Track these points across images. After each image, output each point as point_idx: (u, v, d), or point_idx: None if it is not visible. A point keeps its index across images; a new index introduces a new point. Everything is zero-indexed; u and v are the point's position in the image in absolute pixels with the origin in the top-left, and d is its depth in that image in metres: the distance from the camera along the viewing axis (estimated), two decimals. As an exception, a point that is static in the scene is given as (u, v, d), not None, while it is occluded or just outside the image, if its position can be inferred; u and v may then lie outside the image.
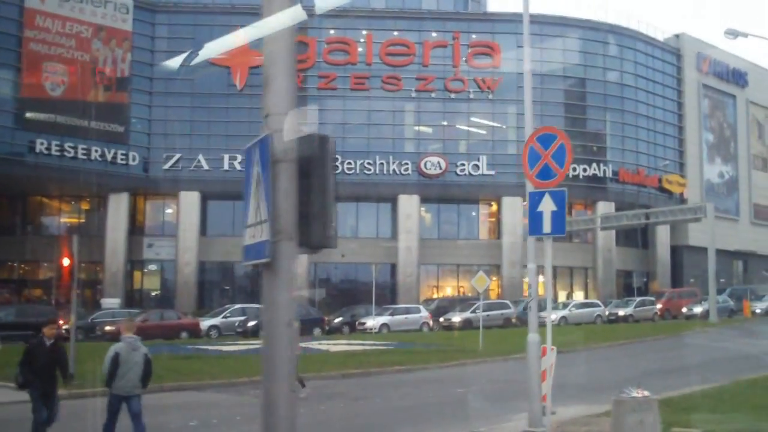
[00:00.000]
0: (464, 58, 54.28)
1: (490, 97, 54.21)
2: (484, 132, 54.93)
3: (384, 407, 15.47)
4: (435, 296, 52.53)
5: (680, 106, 62.80)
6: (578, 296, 56.40)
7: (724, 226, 59.46)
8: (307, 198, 4.71)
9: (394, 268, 52.61)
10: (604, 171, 56.20)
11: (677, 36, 63.69)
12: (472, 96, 54.21)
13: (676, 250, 60.84)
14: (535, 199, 10.83)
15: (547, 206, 10.55)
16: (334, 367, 20.85)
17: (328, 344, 28.93)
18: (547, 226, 10.64)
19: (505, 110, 54.50)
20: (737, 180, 67.63)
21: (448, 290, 55.33)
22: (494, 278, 54.87)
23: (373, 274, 41.22)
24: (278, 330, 4.82)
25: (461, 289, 54.86)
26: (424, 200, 53.39)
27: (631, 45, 59.40)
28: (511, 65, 52.47)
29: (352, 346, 28.50)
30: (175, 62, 48.69)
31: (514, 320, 41.40)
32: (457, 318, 40.63)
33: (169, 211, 53.54)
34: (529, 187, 11.41)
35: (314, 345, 27.74)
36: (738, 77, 67.60)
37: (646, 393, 9.17)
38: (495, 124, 54.75)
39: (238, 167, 50.33)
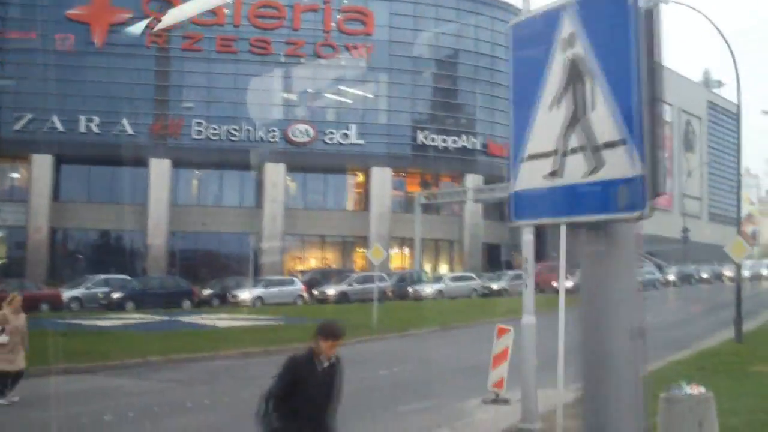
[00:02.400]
0: (335, 24, 55.81)
1: (362, 64, 56.07)
2: (353, 101, 56.82)
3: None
4: (300, 268, 54.10)
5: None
6: (443, 269, 59.31)
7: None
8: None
9: (258, 238, 53.64)
10: (474, 143, 59.25)
11: (549, 10, 67.24)
12: (343, 63, 56.06)
13: (539, 225, 64.47)
14: None
15: None
16: (231, 345, 20.88)
17: (212, 318, 29.65)
18: None
19: (376, 78, 56.55)
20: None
21: (312, 262, 57.05)
22: (361, 250, 57.27)
23: (251, 244, 42.61)
24: (616, 343, 2.94)
25: (326, 261, 56.86)
26: (291, 169, 54.80)
27: (503, 17, 62.37)
28: (384, 33, 54.50)
29: (237, 321, 29.15)
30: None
31: (389, 293, 43.18)
32: (332, 291, 42.28)
33: (16, 175, 52.82)
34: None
35: (197, 320, 28.63)
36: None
37: (702, 389, 8.07)
38: (366, 93, 56.66)
39: (96, 129, 50.36)
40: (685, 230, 71.40)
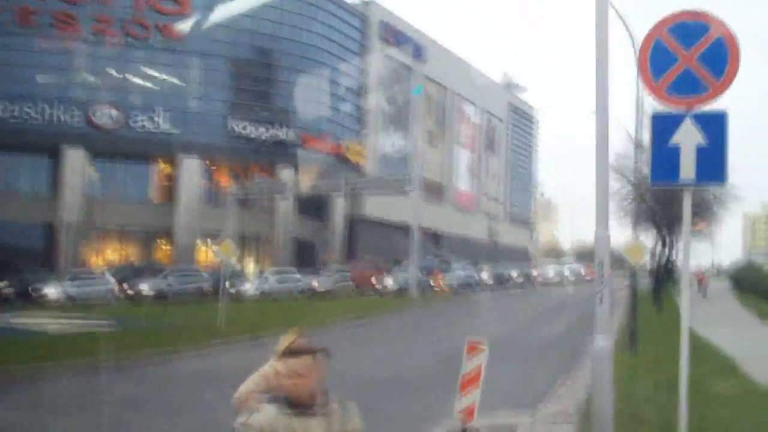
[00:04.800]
0: (148, 3, 54.39)
1: (176, 47, 55.00)
2: (163, 85, 55.69)
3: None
4: (100, 262, 52.37)
5: (363, 73, 68.09)
6: (251, 266, 59.23)
7: (398, 198, 65.87)
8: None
9: (51, 228, 51.35)
10: (289, 135, 59.57)
11: (366, 2, 68.95)
12: (154, 44, 54.82)
13: (351, 221, 65.81)
14: (666, 126, 7.89)
15: (688, 137, 7.70)
16: (65, 354, 18.64)
17: (32, 321, 27.74)
18: (688, 170, 7.68)
19: (189, 63, 55.74)
20: (409, 153, 74.88)
21: (112, 255, 55.23)
22: (165, 244, 56.21)
23: (63, 233, 40.59)
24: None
25: (126, 255, 55.28)
26: (94, 155, 52.84)
27: (321, 5, 63.25)
28: (200, 15, 53.84)
29: (60, 325, 27.40)
30: None
31: (208, 290, 42.57)
32: (147, 287, 41.10)
33: None
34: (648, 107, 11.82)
35: (14, 321, 26.96)
36: (418, 51, 74.90)
37: None
38: (177, 78, 55.74)
39: None
40: (492, 231, 75.14)
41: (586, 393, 14.24)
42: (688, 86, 7.70)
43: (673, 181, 7.85)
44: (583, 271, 76.39)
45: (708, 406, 11.63)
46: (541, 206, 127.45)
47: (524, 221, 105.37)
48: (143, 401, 14.23)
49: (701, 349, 22.15)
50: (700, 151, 7.62)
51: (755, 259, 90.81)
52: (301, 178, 57.10)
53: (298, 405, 3.75)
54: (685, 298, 8.47)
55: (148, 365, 18.37)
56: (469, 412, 9.98)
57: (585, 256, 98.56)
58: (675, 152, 7.70)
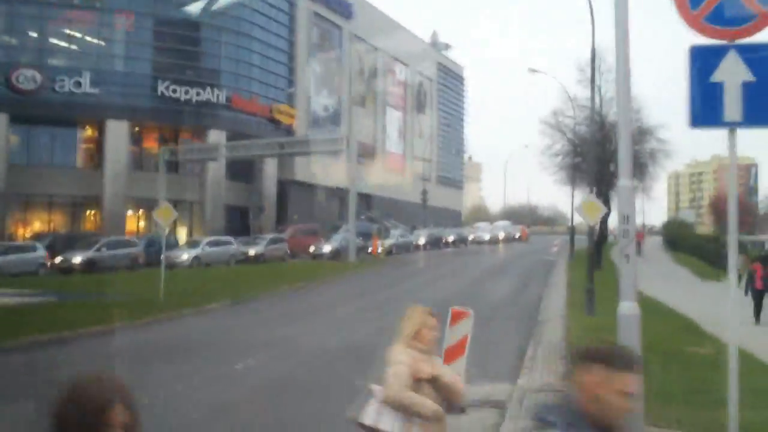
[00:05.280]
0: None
1: (98, 5, 53.24)
2: (86, 46, 53.88)
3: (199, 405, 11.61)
4: (26, 233, 50.79)
5: (292, 32, 67.02)
6: (182, 233, 58.10)
7: (330, 161, 65.39)
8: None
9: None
10: (218, 96, 58.29)
11: (294, -41, 67.79)
12: (77, 2, 52.77)
13: (282, 185, 64.98)
14: (707, 60, 7.01)
15: (733, 73, 6.88)
16: (6, 330, 18.15)
17: None
18: (733, 110, 6.90)
19: (113, 21, 54.06)
20: (340, 114, 74.22)
21: (39, 226, 53.51)
22: (93, 211, 54.77)
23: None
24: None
25: (54, 225, 53.64)
26: (16, 120, 50.83)
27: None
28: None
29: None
30: None
31: (140, 260, 41.75)
32: (78, 258, 39.89)
33: None
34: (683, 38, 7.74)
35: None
36: (345, 9, 73.87)
37: None
38: (101, 38, 54.04)
39: None
40: (425, 193, 75.13)
41: (560, 360, 14.13)
42: (731, 14, 6.91)
43: (716, 123, 7.02)
44: (516, 233, 77.55)
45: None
46: (468, 167, 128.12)
47: (454, 183, 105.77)
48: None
49: (659, 310, 22.50)
50: (747, 88, 6.85)
51: (684, 216, 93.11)
52: (231, 140, 56.12)
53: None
54: (733, 309, 7.53)
55: (92, 341, 17.48)
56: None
57: (513, 216, 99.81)
58: (717, 90, 6.91)
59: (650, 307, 23.40)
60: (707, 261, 52.90)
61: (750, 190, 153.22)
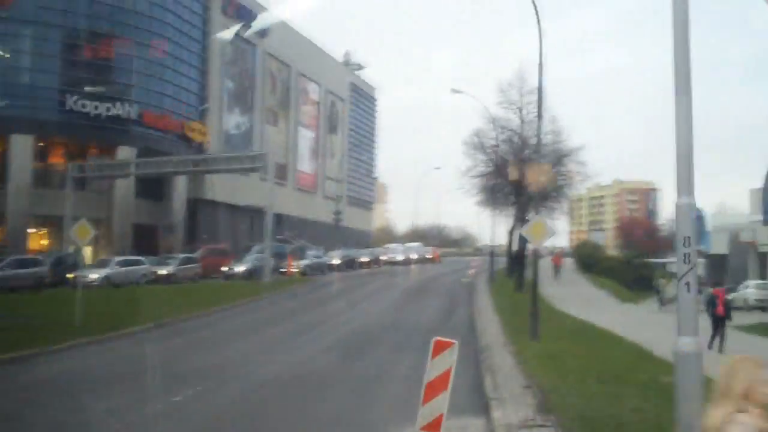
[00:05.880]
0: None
1: (3, 15, 51.61)
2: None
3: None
4: None
5: (205, 49, 66.13)
6: (87, 252, 56.36)
7: (242, 180, 64.68)
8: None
9: None
10: (129, 112, 57.13)
11: (205, -27, 67.02)
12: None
13: (192, 204, 63.82)
14: None
15: None
16: None
17: None
18: None
19: (19, 32, 52.55)
20: (252, 132, 73.50)
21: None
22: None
23: None
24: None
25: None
26: None
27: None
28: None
29: None
30: None
31: (47, 280, 40.18)
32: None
33: None
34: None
35: None
36: (260, 26, 73.26)
37: None
38: (6, 49, 52.50)
39: None
40: (338, 213, 74.92)
41: (524, 387, 13.87)
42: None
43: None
44: (428, 254, 78.02)
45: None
46: (376, 188, 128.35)
47: (364, 203, 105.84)
48: (11, 416, 12.02)
49: (605, 336, 22.78)
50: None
51: (595, 239, 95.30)
52: (141, 157, 54.96)
53: None
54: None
55: (5, 369, 16.29)
56: (435, 425, 8.51)
57: (421, 238, 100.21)
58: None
59: (594, 333, 23.75)
60: (622, 283, 54.20)
61: (650, 214, 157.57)
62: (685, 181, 7.67)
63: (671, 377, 14.15)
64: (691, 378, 7.33)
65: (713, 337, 22.46)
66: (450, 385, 8.06)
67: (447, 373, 8.20)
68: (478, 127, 47.77)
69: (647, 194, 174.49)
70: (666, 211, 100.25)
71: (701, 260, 69.29)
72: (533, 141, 45.37)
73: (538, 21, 22.76)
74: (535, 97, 44.11)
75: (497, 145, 47.14)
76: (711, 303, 23.40)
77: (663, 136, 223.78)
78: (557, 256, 60.44)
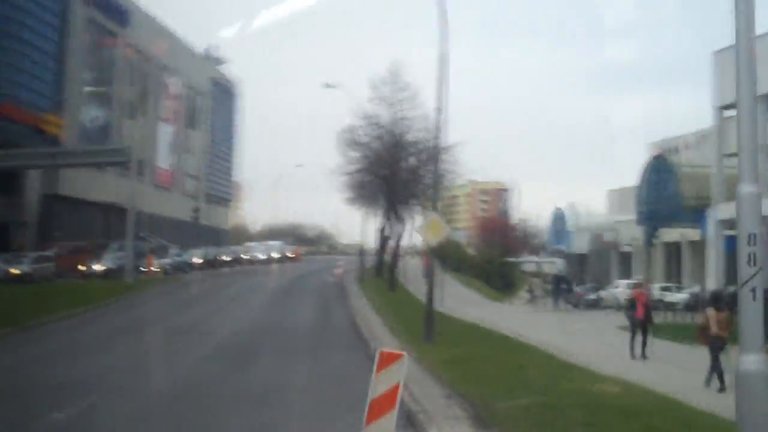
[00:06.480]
0: None
1: None
2: None
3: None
4: None
5: (63, 37, 63.30)
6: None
7: (98, 176, 62.62)
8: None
9: None
10: (-22, 102, 54.10)
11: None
12: None
13: (45, 200, 61.27)
14: None
15: None
16: None
17: None
18: None
19: None
20: (110, 127, 71.10)
21: None
22: None
23: None
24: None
25: None
26: None
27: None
28: None
29: None
30: None
31: None
32: None
33: None
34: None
35: None
36: (122, 16, 71.03)
37: None
38: None
39: None
40: (197, 211, 73.69)
41: (446, 398, 12.81)
42: None
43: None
44: (289, 253, 78.54)
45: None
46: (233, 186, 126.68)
47: (222, 201, 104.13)
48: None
49: (499, 338, 23.24)
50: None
51: (457, 237, 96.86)
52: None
53: None
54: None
55: None
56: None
57: (277, 236, 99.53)
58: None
59: (486, 335, 24.07)
60: (487, 282, 55.45)
61: (504, 214, 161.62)
62: (750, 167, 6.60)
63: (604, 386, 14.42)
64: (757, 402, 6.41)
65: (633, 341, 21.85)
66: (398, 403, 7.52)
67: (395, 390, 7.61)
68: (351, 124, 47.78)
69: (499, 194, 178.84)
70: (516, 210, 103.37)
71: (561, 259, 71.90)
72: (406, 138, 46.21)
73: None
74: (407, 94, 45.26)
75: (369, 142, 47.49)
76: (631, 306, 22.71)
77: (515, 137, 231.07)
78: (427, 255, 60.98)
